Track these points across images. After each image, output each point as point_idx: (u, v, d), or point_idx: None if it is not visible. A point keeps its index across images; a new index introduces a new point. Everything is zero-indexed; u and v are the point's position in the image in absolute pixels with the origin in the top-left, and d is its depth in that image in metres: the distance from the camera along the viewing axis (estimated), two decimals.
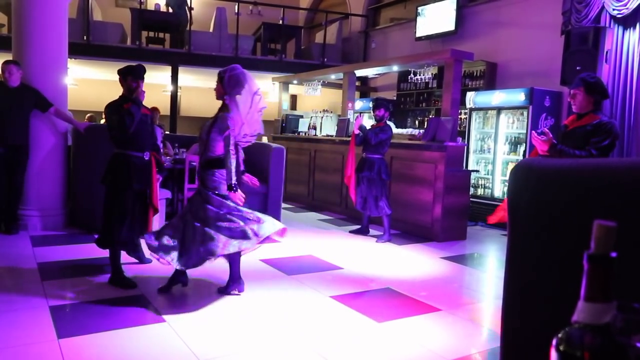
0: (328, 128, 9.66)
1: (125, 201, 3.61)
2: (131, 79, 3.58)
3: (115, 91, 3.76)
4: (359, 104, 10.05)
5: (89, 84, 11.23)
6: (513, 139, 6.78)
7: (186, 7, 9.69)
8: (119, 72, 3.66)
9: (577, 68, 5.48)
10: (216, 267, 3.83)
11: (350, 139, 5.76)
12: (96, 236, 3.84)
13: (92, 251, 4.44)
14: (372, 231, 5.92)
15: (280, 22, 10.55)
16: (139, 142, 3.66)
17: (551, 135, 3.07)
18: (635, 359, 0.56)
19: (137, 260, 4.18)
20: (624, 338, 0.56)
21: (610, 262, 0.56)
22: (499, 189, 6.92)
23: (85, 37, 8.88)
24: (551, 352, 0.59)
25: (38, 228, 5.23)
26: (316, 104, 11.27)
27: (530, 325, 1.15)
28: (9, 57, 5.31)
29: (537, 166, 1.29)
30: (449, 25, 8.46)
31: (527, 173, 1.26)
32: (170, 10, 10.08)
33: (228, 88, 3.43)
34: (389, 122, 5.74)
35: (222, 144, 3.41)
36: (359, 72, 8.34)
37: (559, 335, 0.59)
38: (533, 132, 3.26)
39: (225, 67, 3.49)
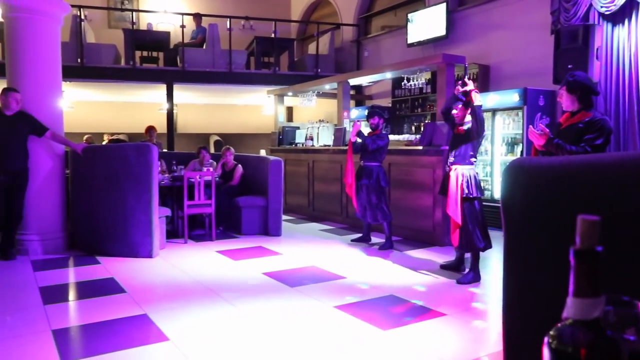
0: (325, 138, 9.68)
1: None
2: None
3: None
4: (355, 113, 10.08)
5: (85, 106, 11.25)
6: (510, 139, 6.79)
7: None
8: None
9: (569, 66, 5.50)
10: (220, 279, 3.79)
11: (347, 147, 5.77)
12: None
13: (94, 272, 4.44)
14: (373, 239, 5.91)
15: (273, 35, 10.61)
16: None
17: (548, 130, 3.08)
18: (627, 351, 0.55)
19: None
20: (614, 332, 0.56)
21: (596, 256, 0.56)
22: (499, 191, 6.90)
23: (79, 60, 8.94)
24: (543, 350, 0.58)
25: (39, 252, 5.21)
26: (312, 115, 11.30)
27: (530, 324, 1.14)
28: (3, 83, 5.33)
29: (528, 165, 1.29)
30: (439, 30, 8.52)
31: (519, 172, 1.27)
32: None
33: None
34: (384, 131, 5.75)
35: None
36: (353, 81, 8.37)
37: (551, 332, 0.59)
38: (530, 126, 3.27)
39: None
